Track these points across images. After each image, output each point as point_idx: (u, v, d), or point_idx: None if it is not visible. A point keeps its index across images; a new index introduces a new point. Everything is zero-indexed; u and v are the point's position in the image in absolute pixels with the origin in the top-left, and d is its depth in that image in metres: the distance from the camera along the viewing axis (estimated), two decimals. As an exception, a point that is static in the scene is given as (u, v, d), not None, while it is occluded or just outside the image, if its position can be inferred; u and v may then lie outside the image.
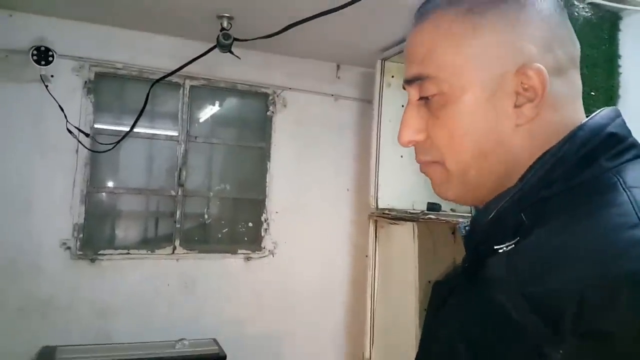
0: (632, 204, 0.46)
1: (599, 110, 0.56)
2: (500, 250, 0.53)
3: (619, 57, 2.26)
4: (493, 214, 0.55)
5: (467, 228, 0.64)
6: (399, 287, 2.74)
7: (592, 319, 0.40)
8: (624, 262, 0.41)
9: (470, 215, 0.70)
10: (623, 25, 2.27)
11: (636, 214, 0.45)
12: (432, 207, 2.73)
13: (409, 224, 2.68)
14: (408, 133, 0.60)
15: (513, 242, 0.52)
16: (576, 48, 0.59)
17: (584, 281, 0.42)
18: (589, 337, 0.40)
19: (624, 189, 0.48)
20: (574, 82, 0.59)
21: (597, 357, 0.40)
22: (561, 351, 0.41)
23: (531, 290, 0.46)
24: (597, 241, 0.45)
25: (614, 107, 0.57)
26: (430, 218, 2.54)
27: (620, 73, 2.25)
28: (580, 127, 0.54)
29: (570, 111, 0.57)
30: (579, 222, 0.48)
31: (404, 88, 0.64)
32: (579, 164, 0.52)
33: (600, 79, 2.22)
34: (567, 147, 0.53)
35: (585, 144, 0.53)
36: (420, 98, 0.59)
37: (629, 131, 0.56)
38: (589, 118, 0.56)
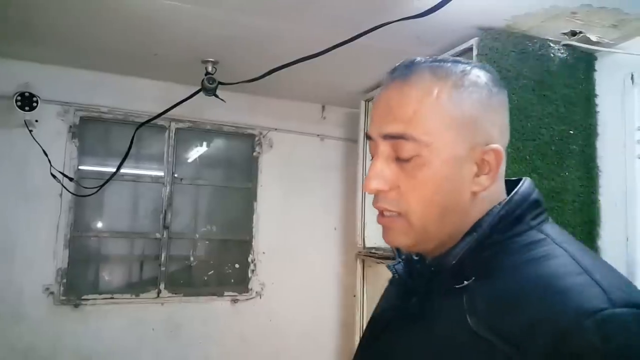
0: (571, 257, 0.60)
1: (523, 180, 0.70)
2: (459, 286, 0.63)
3: (595, 96, 2.31)
4: (457, 258, 0.64)
5: (398, 268, 0.75)
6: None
7: (562, 344, 0.51)
8: (582, 301, 0.53)
9: (394, 257, 0.79)
10: (598, 65, 2.33)
11: (577, 264, 0.59)
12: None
13: (396, 264, 2.66)
14: (378, 183, 0.66)
15: (471, 280, 0.63)
16: (509, 132, 0.72)
17: (551, 315, 0.53)
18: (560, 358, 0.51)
19: (556, 244, 0.63)
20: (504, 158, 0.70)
21: None
22: None
23: (499, 322, 0.57)
24: (553, 285, 0.56)
25: (530, 179, 0.71)
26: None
27: (598, 112, 2.30)
28: (515, 193, 0.67)
29: (502, 181, 0.70)
30: (527, 269, 0.61)
31: (368, 137, 0.70)
32: (513, 221, 0.66)
33: (579, 117, 2.26)
34: (507, 208, 0.66)
35: (519, 206, 0.66)
36: (397, 157, 0.66)
37: (543, 199, 0.70)
38: (518, 186, 0.68)
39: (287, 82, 2.98)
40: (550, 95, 2.22)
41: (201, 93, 2.68)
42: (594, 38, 2.19)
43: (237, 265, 3.33)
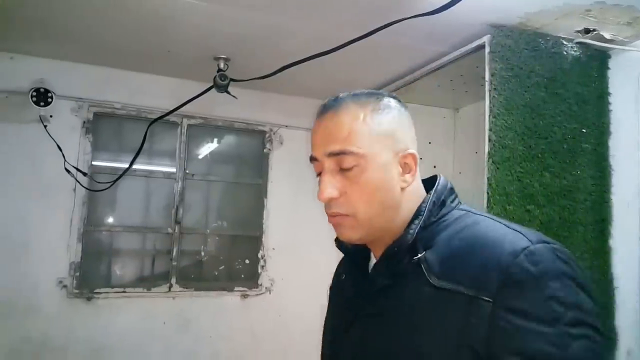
0: (491, 219, 0.82)
1: (439, 176, 0.90)
2: (415, 258, 0.80)
3: (608, 94, 2.30)
4: (413, 238, 0.81)
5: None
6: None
7: (507, 276, 0.70)
8: (512, 244, 0.73)
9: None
10: (612, 63, 2.31)
11: (499, 222, 0.81)
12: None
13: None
14: (330, 191, 0.83)
15: (424, 252, 0.80)
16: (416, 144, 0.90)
17: (494, 257, 0.73)
18: (511, 286, 0.70)
19: (477, 214, 0.85)
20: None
21: (518, 296, 0.69)
22: (490, 299, 0.70)
23: (454, 274, 0.75)
24: (488, 238, 0.77)
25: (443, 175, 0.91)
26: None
27: (611, 110, 2.28)
28: (438, 184, 0.87)
29: (419, 179, 0.89)
30: (464, 233, 0.80)
31: (312, 159, 0.87)
32: (441, 205, 0.86)
33: (591, 115, 2.25)
34: (435, 196, 0.86)
35: (442, 194, 0.87)
36: (341, 169, 0.82)
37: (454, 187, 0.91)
38: (438, 180, 0.88)
39: (298, 79, 2.99)
40: (562, 93, 2.21)
41: (213, 90, 2.70)
42: (607, 36, 2.18)
43: (247, 261, 3.35)
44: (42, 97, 2.72)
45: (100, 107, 3.00)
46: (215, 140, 3.38)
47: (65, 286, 2.84)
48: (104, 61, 2.90)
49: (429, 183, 0.90)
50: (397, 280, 0.82)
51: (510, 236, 0.75)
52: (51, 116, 2.82)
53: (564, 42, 2.25)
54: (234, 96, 2.69)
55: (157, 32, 2.41)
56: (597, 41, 2.21)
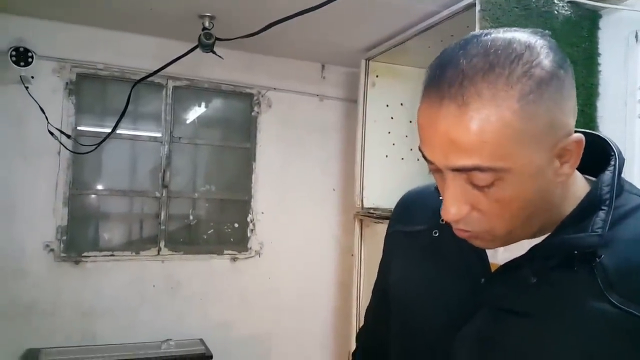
0: None
1: (613, 145, 0.69)
2: (590, 263, 0.61)
3: (598, 55, 2.28)
4: (603, 240, 0.61)
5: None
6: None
7: None
8: None
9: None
10: (602, 23, 2.28)
11: None
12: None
13: (394, 223, 2.68)
14: (458, 211, 0.62)
15: (601, 256, 0.61)
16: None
17: None
18: None
19: None
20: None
21: None
22: None
23: (636, 293, 0.59)
24: None
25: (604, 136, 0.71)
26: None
27: (600, 71, 2.27)
28: (616, 157, 0.67)
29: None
30: None
31: (425, 158, 0.64)
32: (619, 189, 0.66)
33: (580, 76, 2.23)
34: (618, 175, 0.66)
35: (621, 171, 0.67)
36: (473, 184, 0.60)
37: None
38: (614, 151, 0.68)
39: (286, 39, 2.93)
40: (552, 53, 2.18)
41: (198, 50, 2.64)
42: (599, -6, 2.14)
43: (236, 225, 3.35)
44: (22, 56, 2.65)
45: (83, 67, 2.93)
46: (202, 103, 3.33)
47: (52, 250, 2.83)
48: (85, 20, 2.82)
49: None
50: (549, 278, 0.64)
51: None
52: (32, 77, 2.74)
53: (555, 1, 2.21)
54: (219, 56, 2.63)
55: (140, -11, 2.33)
56: (589, 0, 2.18)
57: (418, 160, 3.13)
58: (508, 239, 0.66)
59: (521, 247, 0.66)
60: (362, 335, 1.03)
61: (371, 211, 2.95)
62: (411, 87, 3.15)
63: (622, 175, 0.68)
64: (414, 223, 0.84)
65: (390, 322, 0.84)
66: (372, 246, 2.98)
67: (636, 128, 2.11)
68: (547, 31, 0.63)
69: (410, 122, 3.14)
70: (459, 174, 0.60)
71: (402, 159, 3.10)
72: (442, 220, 0.71)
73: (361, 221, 3.03)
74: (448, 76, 0.58)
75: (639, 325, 0.57)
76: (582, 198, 0.65)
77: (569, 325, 0.61)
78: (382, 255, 0.94)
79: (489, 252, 0.71)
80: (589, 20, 2.28)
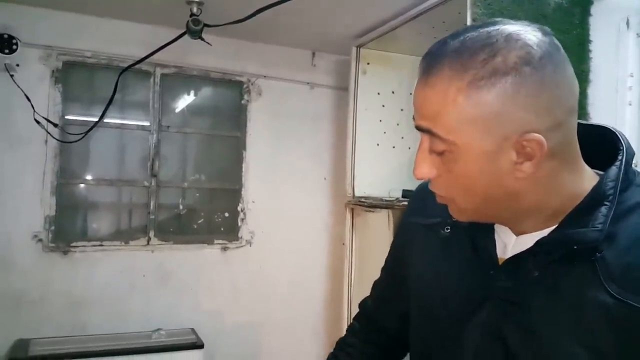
0: None
1: (622, 138, 0.69)
2: (592, 257, 0.63)
3: (589, 42, 2.27)
4: (603, 236, 0.63)
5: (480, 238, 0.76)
6: (375, 273, 2.74)
7: None
8: None
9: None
10: (594, 10, 2.27)
11: None
12: (407, 194, 2.73)
13: (384, 211, 2.68)
14: (422, 172, 0.69)
15: (602, 251, 0.63)
16: (574, 95, 0.65)
17: None
18: None
19: None
20: (571, 127, 0.66)
21: None
22: None
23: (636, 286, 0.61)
24: None
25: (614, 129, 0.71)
26: (405, 205, 2.53)
27: (591, 58, 2.26)
28: (624, 151, 0.68)
29: (566, 152, 0.66)
30: None
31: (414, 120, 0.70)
32: (626, 182, 0.67)
33: (571, 63, 2.22)
34: (624, 170, 0.66)
35: (629, 165, 0.68)
36: (431, 150, 0.67)
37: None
38: (622, 144, 0.69)
39: (276, 26, 2.89)
40: (543, 40, 2.17)
41: (186, 37, 2.60)
42: (591, -20, 2.13)
43: (226, 214, 3.33)
44: (7, 43, 2.59)
45: (70, 55, 2.88)
46: (191, 91, 3.29)
47: (40, 240, 2.80)
48: (71, 6, 2.76)
49: (588, 134, 0.68)
50: (551, 271, 0.67)
51: None
52: (18, 65, 2.69)
53: (547, -13, 2.19)
54: (208, 43, 2.60)
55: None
56: (580, -14, 2.16)
57: (409, 148, 3.12)
58: (477, 216, 0.71)
59: (526, 243, 0.69)
60: (366, 304, 1.09)
61: (362, 200, 2.94)
62: (402, 75, 3.13)
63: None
64: (430, 215, 0.86)
65: (411, 315, 0.89)
66: (363, 235, 2.97)
67: (627, 115, 2.10)
68: (548, 28, 0.66)
69: (402, 110, 3.12)
70: (424, 136, 0.67)
71: (394, 147, 3.09)
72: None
73: (352, 210, 3.03)
74: (429, 54, 0.67)
75: (635, 315, 0.59)
76: (588, 192, 0.67)
77: (568, 316, 0.64)
78: (396, 241, 1.02)
79: (499, 247, 0.74)
80: (580, 7, 2.26)
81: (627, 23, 2.10)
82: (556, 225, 0.68)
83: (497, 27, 0.63)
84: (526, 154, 0.62)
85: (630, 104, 2.09)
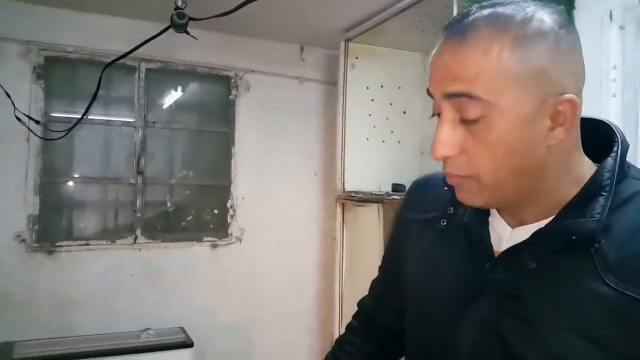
0: None
1: (616, 130, 0.70)
2: (589, 249, 0.63)
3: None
4: (601, 226, 0.62)
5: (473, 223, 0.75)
6: (366, 268, 2.72)
7: None
8: None
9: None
10: (578, 2, 2.24)
11: None
12: (397, 188, 2.71)
13: (375, 206, 2.66)
14: (445, 149, 0.64)
15: (601, 241, 0.63)
16: (584, 74, 0.67)
17: None
18: None
19: None
20: (582, 103, 0.66)
21: None
22: None
23: (635, 277, 0.60)
24: None
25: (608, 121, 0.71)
26: (394, 199, 2.51)
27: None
28: (619, 142, 0.68)
29: (577, 130, 0.67)
30: None
31: (429, 95, 0.67)
32: (621, 172, 0.66)
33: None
34: (620, 161, 0.66)
35: (625, 157, 0.68)
36: (462, 120, 0.63)
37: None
38: (617, 136, 0.69)
39: (263, 19, 2.85)
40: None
41: (172, 31, 2.54)
42: (577, -30, 2.11)
43: (215, 211, 3.29)
44: (-15, 39, 2.53)
45: (52, 50, 2.81)
46: (177, 86, 3.23)
47: (24, 240, 2.74)
48: (53, 1, 2.70)
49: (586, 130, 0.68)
50: (548, 262, 0.66)
51: None
52: (-3, 61, 2.63)
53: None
54: (193, 37, 2.54)
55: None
56: (568, -23, 2.14)
57: (399, 142, 3.10)
58: (497, 194, 0.66)
59: (522, 235, 0.69)
60: (364, 302, 1.08)
61: (352, 195, 2.91)
62: (391, 69, 3.10)
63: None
64: (426, 211, 0.86)
65: (406, 313, 0.87)
66: (353, 229, 2.95)
67: (611, 107, 2.09)
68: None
69: (391, 104, 3.10)
70: (452, 102, 0.63)
71: (383, 141, 3.06)
72: (450, 210, 0.78)
73: (343, 205, 3.00)
74: (456, 20, 0.65)
75: (633, 305, 0.59)
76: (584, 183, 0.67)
77: (567, 307, 0.63)
78: (392, 238, 0.99)
79: (494, 240, 0.73)
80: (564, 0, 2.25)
81: (610, 16, 2.09)
82: (553, 217, 0.67)
83: (512, 4, 0.63)
84: (559, 120, 0.62)
85: (614, 96, 2.08)
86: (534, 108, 0.61)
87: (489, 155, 0.63)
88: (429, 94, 0.67)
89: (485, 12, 0.62)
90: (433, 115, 0.67)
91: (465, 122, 0.63)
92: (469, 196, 0.68)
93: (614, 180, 0.64)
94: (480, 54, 0.60)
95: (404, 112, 3.12)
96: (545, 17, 0.61)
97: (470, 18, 0.63)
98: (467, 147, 0.64)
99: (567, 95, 0.61)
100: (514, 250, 0.69)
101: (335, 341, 1.08)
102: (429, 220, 0.83)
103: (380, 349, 1.03)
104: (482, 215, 0.75)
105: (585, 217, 0.63)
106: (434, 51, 0.67)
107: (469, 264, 0.75)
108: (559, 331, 0.63)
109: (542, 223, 0.68)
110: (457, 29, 0.63)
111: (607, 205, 0.63)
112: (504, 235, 0.73)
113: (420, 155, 3.12)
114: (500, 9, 0.62)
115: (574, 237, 0.63)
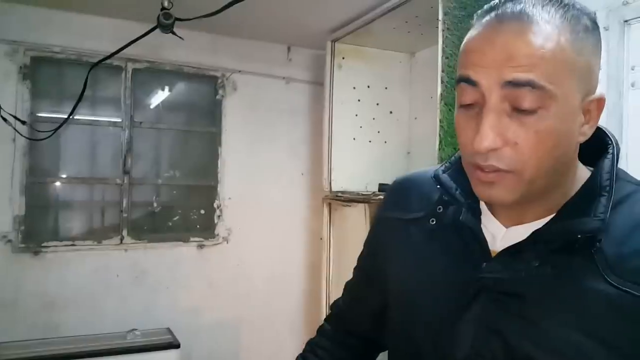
0: None
1: (609, 134, 0.70)
2: (590, 249, 0.63)
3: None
4: (605, 226, 0.62)
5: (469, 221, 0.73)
6: (353, 268, 2.75)
7: None
8: None
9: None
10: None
11: None
12: (384, 188, 2.73)
13: (361, 205, 2.68)
14: (492, 140, 0.61)
15: (601, 241, 0.63)
16: None
17: None
18: None
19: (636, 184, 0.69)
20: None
21: None
22: None
23: (636, 275, 0.61)
24: None
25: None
26: (381, 199, 2.53)
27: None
28: (613, 144, 0.69)
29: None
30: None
31: (467, 83, 0.64)
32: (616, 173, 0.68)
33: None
34: (616, 161, 0.68)
35: (618, 158, 0.69)
36: (515, 109, 0.60)
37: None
38: (610, 139, 0.70)
39: (250, 19, 2.86)
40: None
41: (158, 31, 2.54)
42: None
43: (202, 211, 3.29)
44: (-30, 38, 2.51)
45: (38, 50, 2.80)
46: (164, 86, 3.23)
47: (10, 241, 2.73)
48: (39, 0, 2.68)
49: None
50: (549, 261, 0.65)
51: None
52: (-18, 61, 2.61)
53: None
54: (180, 37, 2.54)
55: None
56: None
57: (385, 142, 3.12)
58: (527, 192, 0.64)
59: (519, 235, 0.68)
60: (338, 305, 1.06)
61: (339, 194, 2.93)
62: (377, 69, 3.13)
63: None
64: (410, 210, 0.83)
65: (389, 313, 0.84)
66: (340, 229, 2.97)
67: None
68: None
69: (377, 104, 3.12)
70: (506, 91, 0.59)
71: (370, 141, 3.09)
72: (439, 208, 0.77)
73: (330, 205, 3.02)
74: (509, 5, 0.62)
75: (635, 303, 0.59)
76: (581, 184, 0.68)
77: (569, 306, 0.63)
78: (371, 239, 0.96)
79: (487, 240, 0.73)
80: None
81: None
82: (552, 216, 0.68)
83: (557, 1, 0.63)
84: (586, 117, 0.63)
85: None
86: (578, 103, 0.61)
87: (539, 148, 0.60)
88: (466, 80, 0.63)
89: (538, 3, 0.61)
90: (461, 107, 0.66)
91: (517, 112, 0.60)
92: (500, 193, 0.64)
93: (614, 181, 0.65)
94: (544, 40, 0.58)
95: (391, 112, 3.14)
96: (587, 15, 0.63)
97: (527, 7, 0.60)
98: (516, 139, 0.60)
99: (599, 94, 0.63)
100: (515, 249, 0.68)
101: (307, 343, 1.04)
102: (415, 220, 0.81)
103: (352, 353, 1.00)
104: (475, 214, 0.74)
105: (589, 216, 0.63)
106: (473, 34, 0.64)
107: (462, 263, 0.73)
108: (565, 330, 0.62)
109: (539, 222, 0.68)
110: (516, 14, 0.60)
111: (609, 205, 0.63)
112: (498, 234, 0.72)
113: (407, 155, 3.15)
114: (551, 4, 0.61)
115: (579, 236, 0.63)
